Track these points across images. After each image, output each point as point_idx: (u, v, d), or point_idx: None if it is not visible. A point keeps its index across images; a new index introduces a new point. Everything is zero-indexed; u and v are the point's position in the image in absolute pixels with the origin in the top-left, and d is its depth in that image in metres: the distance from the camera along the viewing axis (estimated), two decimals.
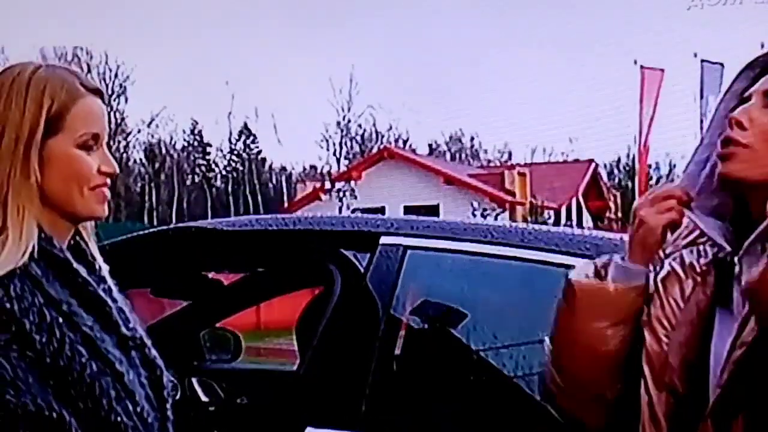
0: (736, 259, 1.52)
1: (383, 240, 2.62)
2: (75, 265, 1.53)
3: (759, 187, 1.46)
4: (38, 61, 1.57)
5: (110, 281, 1.62)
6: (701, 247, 1.58)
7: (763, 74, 1.53)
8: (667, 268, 1.61)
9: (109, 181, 1.57)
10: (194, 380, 4.01)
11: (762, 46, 17.15)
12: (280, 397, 3.02)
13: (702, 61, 15.74)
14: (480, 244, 2.57)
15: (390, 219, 2.72)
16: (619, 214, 35.76)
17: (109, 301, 1.56)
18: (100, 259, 1.62)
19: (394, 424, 2.46)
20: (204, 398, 4.00)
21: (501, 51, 76.11)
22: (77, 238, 1.60)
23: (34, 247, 1.47)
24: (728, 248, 1.53)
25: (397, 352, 2.68)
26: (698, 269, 1.56)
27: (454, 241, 2.60)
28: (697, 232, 1.60)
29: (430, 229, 2.64)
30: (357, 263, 2.62)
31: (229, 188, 51.47)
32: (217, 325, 4.31)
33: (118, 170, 1.60)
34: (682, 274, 1.57)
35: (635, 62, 21.09)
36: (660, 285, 1.60)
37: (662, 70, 21.19)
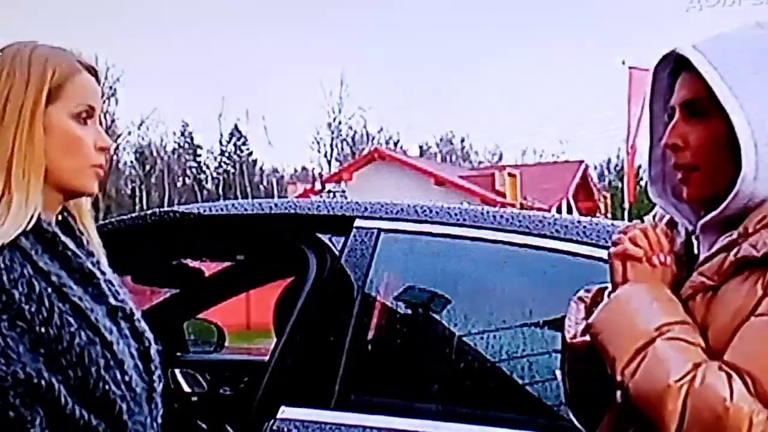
0: (693, 237, 1.57)
1: (357, 223, 2.65)
2: (63, 237, 1.56)
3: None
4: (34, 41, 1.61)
5: (100, 255, 1.64)
6: (678, 227, 1.62)
7: (676, 69, 1.57)
8: None
9: (105, 158, 1.61)
10: (177, 371, 4.04)
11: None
12: (255, 378, 3.05)
13: None
14: (453, 227, 2.61)
15: (364, 203, 2.74)
16: (609, 215, 35.81)
17: (98, 273, 1.58)
18: (92, 233, 1.65)
19: (366, 404, 2.49)
20: (187, 389, 4.03)
21: (492, 53, 76.27)
22: (65, 213, 1.62)
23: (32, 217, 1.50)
24: (690, 228, 1.58)
25: (371, 333, 2.71)
26: (675, 250, 1.59)
27: (427, 224, 2.63)
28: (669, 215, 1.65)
29: (404, 213, 2.67)
30: (332, 246, 2.65)
31: (220, 190, 51.43)
32: (201, 316, 4.34)
33: (111, 144, 1.63)
34: None
35: (623, 63, 21.13)
36: None
37: (650, 71, 21.21)
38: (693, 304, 1.46)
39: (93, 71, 1.62)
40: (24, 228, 1.47)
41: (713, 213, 1.49)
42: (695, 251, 1.56)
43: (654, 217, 1.70)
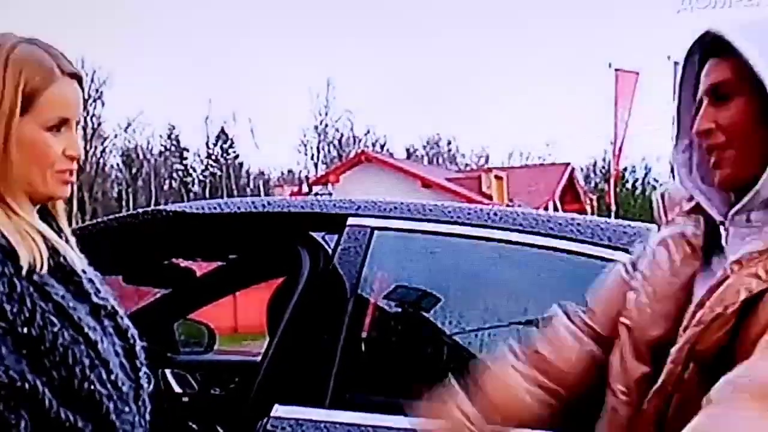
0: (722, 228, 1.53)
1: (350, 221, 2.64)
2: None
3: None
4: (17, 36, 1.55)
5: (77, 254, 1.61)
6: (700, 216, 1.58)
7: (704, 57, 1.53)
8: (663, 234, 1.63)
9: (74, 165, 1.57)
10: (168, 372, 4.03)
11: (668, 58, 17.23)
12: (246, 378, 3.04)
13: (675, 63, 15.89)
14: (446, 224, 2.61)
15: (357, 201, 2.73)
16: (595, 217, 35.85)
17: (79, 271, 1.57)
18: (67, 232, 1.63)
19: (361, 402, 2.48)
20: (178, 389, 4.02)
21: (478, 55, 76.42)
22: (43, 213, 1.60)
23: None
24: (719, 218, 1.53)
25: (365, 331, 2.70)
26: (691, 239, 1.56)
27: (421, 222, 2.63)
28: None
29: (397, 211, 2.66)
30: (325, 244, 2.65)
31: (207, 193, 51.27)
32: (192, 317, 4.32)
33: (82, 154, 1.60)
34: (673, 245, 1.58)
35: (609, 65, 21.21)
36: (654, 251, 1.62)
37: (637, 73, 21.30)
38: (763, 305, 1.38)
39: (75, 76, 1.58)
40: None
41: (747, 197, 1.45)
42: (723, 242, 1.52)
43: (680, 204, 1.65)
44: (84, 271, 1.59)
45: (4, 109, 1.48)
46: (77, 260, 1.59)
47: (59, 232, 1.61)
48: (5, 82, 1.49)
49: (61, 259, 1.54)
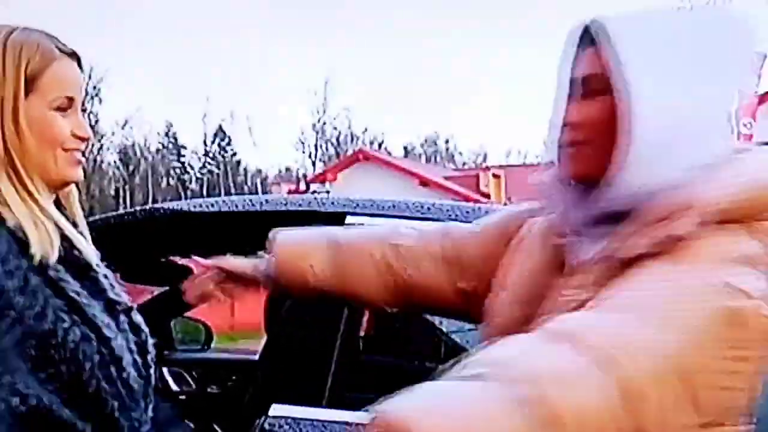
0: (565, 239, 1.42)
1: (348, 219, 2.64)
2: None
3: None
4: (12, 26, 1.55)
5: (93, 248, 1.61)
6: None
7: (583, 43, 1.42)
8: (536, 228, 1.54)
9: (83, 146, 1.57)
10: (165, 370, 4.03)
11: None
12: (243, 376, 3.03)
13: None
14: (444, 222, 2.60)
15: (355, 199, 2.73)
16: None
17: (94, 266, 1.56)
18: (84, 227, 1.62)
19: (358, 401, 2.48)
20: (175, 388, 4.02)
21: (477, 54, 76.47)
22: (59, 207, 1.59)
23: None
24: (564, 231, 1.43)
25: (363, 329, 2.70)
26: (556, 242, 1.45)
27: (418, 220, 2.62)
28: None
29: (395, 209, 2.66)
30: None
31: (204, 190, 51.28)
32: (189, 314, 4.32)
33: (91, 135, 1.59)
34: (540, 245, 1.50)
35: None
36: (523, 247, 1.54)
37: None
38: None
39: (74, 56, 1.58)
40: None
41: (593, 209, 1.35)
42: (569, 250, 1.41)
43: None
44: (98, 266, 1.58)
45: (9, 92, 1.48)
46: (93, 254, 1.58)
47: (74, 225, 1.60)
48: (5, 64, 1.49)
49: (76, 252, 1.54)
